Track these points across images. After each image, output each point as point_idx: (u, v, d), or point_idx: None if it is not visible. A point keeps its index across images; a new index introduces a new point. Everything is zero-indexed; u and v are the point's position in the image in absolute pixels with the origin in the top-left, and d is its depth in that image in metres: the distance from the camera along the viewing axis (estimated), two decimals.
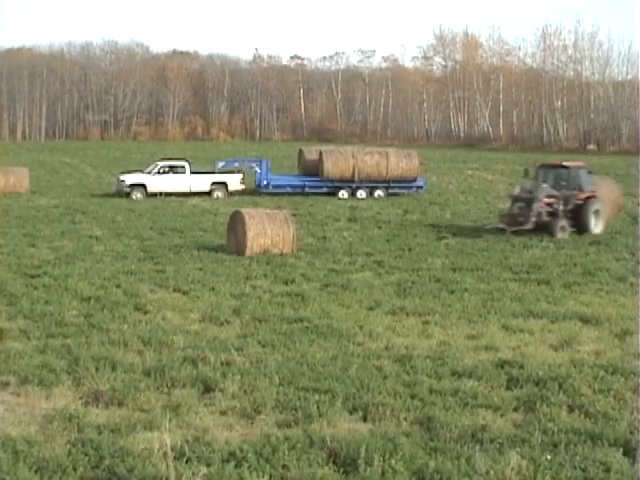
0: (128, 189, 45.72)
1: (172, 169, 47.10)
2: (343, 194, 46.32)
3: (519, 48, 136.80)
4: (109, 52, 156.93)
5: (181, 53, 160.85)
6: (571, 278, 22.07)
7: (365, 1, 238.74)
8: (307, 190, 46.77)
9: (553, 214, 30.47)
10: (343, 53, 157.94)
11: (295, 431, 11.15)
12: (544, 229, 29.95)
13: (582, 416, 11.72)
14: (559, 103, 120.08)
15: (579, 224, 30.78)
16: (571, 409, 11.98)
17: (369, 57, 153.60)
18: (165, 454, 10.06)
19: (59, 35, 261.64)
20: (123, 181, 46.31)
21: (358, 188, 46.65)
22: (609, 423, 11.42)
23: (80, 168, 69.58)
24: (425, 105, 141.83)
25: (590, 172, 33.55)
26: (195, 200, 43.58)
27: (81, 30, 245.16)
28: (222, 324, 17.18)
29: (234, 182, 46.97)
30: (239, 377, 13.25)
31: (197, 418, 11.74)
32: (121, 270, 23.11)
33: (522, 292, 20.30)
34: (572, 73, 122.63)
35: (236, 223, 26.74)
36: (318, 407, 11.91)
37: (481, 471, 9.78)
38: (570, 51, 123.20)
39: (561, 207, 30.58)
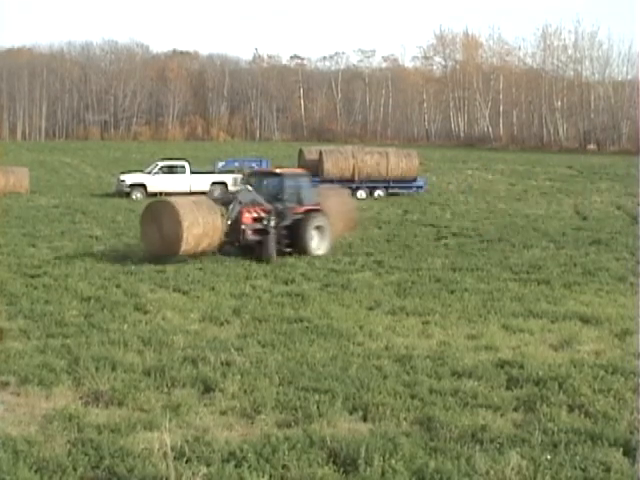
0: (128, 189, 45.93)
1: (172, 169, 47.26)
2: None
3: (519, 48, 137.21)
4: (109, 52, 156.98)
5: (181, 53, 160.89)
6: (571, 278, 22.05)
7: (365, 1, 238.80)
8: None
9: (262, 231, 25.27)
10: (343, 53, 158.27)
11: (295, 431, 11.14)
12: (252, 250, 25.14)
13: (582, 416, 11.71)
14: (559, 103, 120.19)
15: (297, 243, 25.84)
16: (571, 409, 11.97)
17: (369, 57, 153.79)
18: (165, 454, 10.06)
19: (59, 35, 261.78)
20: (123, 181, 46.54)
21: (358, 188, 46.55)
22: (609, 423, 11.41)
23: (80, 168, 69.62)
24: (425, 105, 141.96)
25: (316, 181, 30.50)
26: None
27: (81, 30, 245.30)
28: (222, 324, 17.17)
29: (234, 182, 46.69)
30: (239, 377, 13.25)
31: (197, 418, 11.73)
32: (121, 270, 23.10)
33: (522, 292, 20.29)
34: (572, 73, 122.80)
35: (159, 215, 23.63)
36: (318, 407, 11.90)
37: (481, 471, 9.78)
38: (570, 51, 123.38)
39: (272, 223, 25.39)
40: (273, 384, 13.04)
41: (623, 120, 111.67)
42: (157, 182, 46.29)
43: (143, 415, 11.77)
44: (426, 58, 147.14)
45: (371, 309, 18.66)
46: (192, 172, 47.33)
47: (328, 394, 12.46)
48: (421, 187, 48.40)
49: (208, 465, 9.98)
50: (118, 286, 20.89)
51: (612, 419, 11.59)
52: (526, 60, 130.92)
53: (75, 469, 9.94)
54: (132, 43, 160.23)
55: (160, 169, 47.21)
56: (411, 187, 48.05)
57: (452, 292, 20.33)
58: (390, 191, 47.24)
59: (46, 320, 17.13)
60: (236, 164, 50.17)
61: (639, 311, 17.74)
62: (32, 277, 22.01)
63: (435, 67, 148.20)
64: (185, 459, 10.17)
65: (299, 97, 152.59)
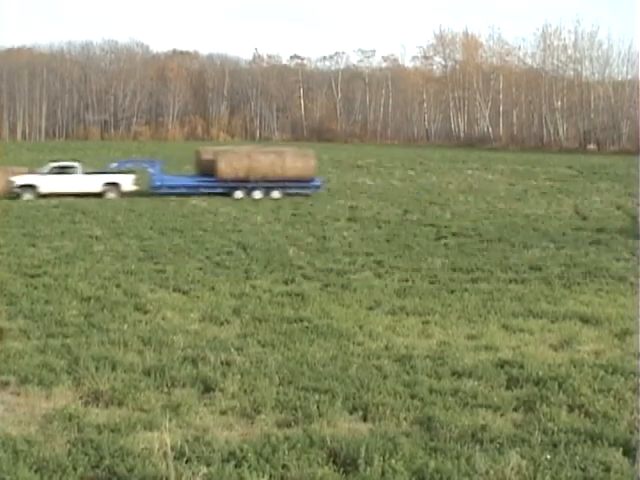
0: (18, 190, 45.23)
1: (64, 170, 46.97)
2: (238, 194, 45.78)
3: (519, 48, 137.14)
4: (109, 52, 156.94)
5: (181, 53, 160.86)
6: (571, 278, 22.06)
7: (365, 1, 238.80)
8: (202, 190, 46.17)
9: None
10: (343, 53, 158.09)
11: (295, 431, 11.14)
12: None
13: (582, 416, 11.72)
14: (559, 103, 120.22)
15: None
16: (571, 409, 11.98)
17: (369, 57, 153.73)
18: (165, 454, 10.06)
19: (59, 35, 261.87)
20: (13, 182, 45.75)
21: (254, 188, 46.09)
22: (609, 423, 11.42)
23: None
24: (425, 105, 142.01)
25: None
26: (195, 200, 43.57)
27: (81, 30, 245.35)
28: (222, 324, 17.17)
29: (127, 183, 46.53)
30: (239, 377, 13.25)
31: (197, 418, 11.74)
32: (121, 270, 23.11)
33: (522, 292, 20.29)
34: (572, 73, 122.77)
35: None
36: (318, 407, 11.90)
37: (481, 471, 9.78)
38: (570, 51, 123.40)
39: None
40: (273, 384, 13.04)
41: (623, 120, 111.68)
42: (48, 183, 45.76)
43: (143, 415, 11.77)
44: (426, 58, 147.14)
45: (371, 309, 18.66)
46: (84, 172, 47.10)
47: (328, 394, 12.46)
48: (318, 187, 47.93)
49: (208, 465, 9.98)
50: (118, 286, 20.89)
51: (612, 419, 11.60)
52: (526, 60, 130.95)
53: (75, 469, 9.95)
54: (132, 43, 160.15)
55: (51, 170, 46.80)
56: (308, 187, 47.50)
57: (452, 292, 20.34)
58: (287, 191, 46.59)
59: (46, 320, 17.13)
60: (129, 165, 50.21)
61: (639, 311, 17.73)
62: (32, 277, 22.02)
63: (435, 67, 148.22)
64: (185, 459, 10.17)
65: (299, 97, 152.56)
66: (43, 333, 16.22)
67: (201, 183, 46.98)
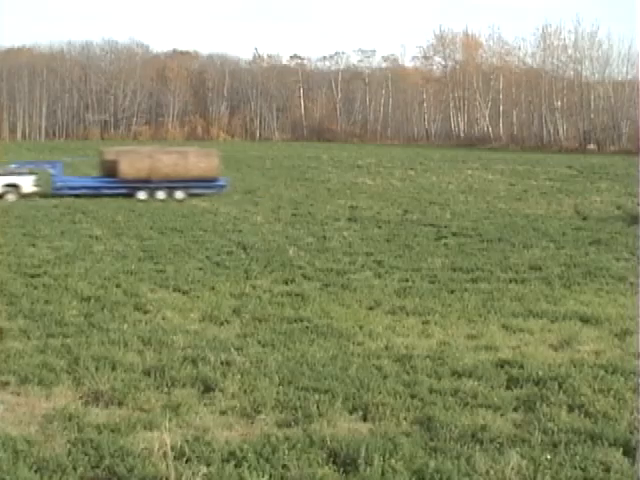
0: None
1: None
2: (142, 195, 45.03)
3: (519, 48, 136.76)
4: (109, 52, 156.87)
5: (181, 53, 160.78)
6: (571, 278, 22.06)
7: (365, 1, 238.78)
8: (105, 192, 45.47)
9: None
10: (343, 53, 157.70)
11: (295, 431, 11.15)
12: None
13: (582, 416, 11.73)
14: (559, 103, 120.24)
15: None
16: (571, 409, 11.99)
17: (369, 57, 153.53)
18: (165, 454, 10.07)
19: (59, 35, 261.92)
20: None
21: (157, 189, 45.44)
22: (609, 423, 11.43)
23: (80, 168, 69.54)
24: (425, 105, 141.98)
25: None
26: (195, 200, 43.56)
27: (81, 30, 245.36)
28: (222, 324, 17.18)
29: (27, 184, 45.36)
30: (239, 377, 13.26)
31: (197, 418, 11.74)
32: (121, 270, 23.10)
33: (522, 292, 20.29)
34: (572, 73, 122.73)
35: None
36: (318, 407, 11.91)
37: (481, 471, 9.78)
38: (570, 51, 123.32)
39: None
40: (273, 384, 13.04)
41: (623, 120, 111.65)
42: None
43: (143, 415, 11.77)
44: (426, 58, 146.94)
45: (371, 309, 18.66)
46: None
47: (328, 394, 12.47)
48: (223, 187, 47.68)
49: (208, 465, 9.99)
50: (118, 286, 20.89)
51: (612, 419, 11.61)
52: (526, 60, 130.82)
53: (75, 469, 9.95)
54: (132, 43, 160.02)
55: None
56: (213, 187, 47.18)
57: (452, 292, 20.34)
58: (192, 191, 45.98)
59: (46, 320, 17.13)
60: (29, 166, 49.13)
61: (639, 311, 17.71)
62: (32, 277, 22.01)
63: (435, 67, 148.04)
64: (185, 459, 10.18)
65: (299, 97, 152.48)
66: (43, 333, 16.22)
67: (103, 184, 46.30)
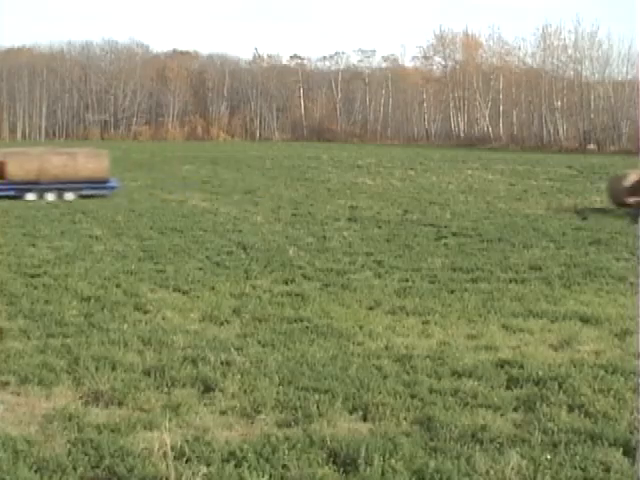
0: None
1: None
2: (30, 197, 44.31)
3: (519, 48, 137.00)
4: (109, 52, 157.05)
5: (181, 53, 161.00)
6: (571, 278, 22.07)
7: (365, 1, 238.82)
8: None
9: None
10: (343, 53, 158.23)
11: (295, 431, 11.15)
12: None
13: (582, 416, 11.72)
14: (559, 103, 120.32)
15: None
16: (571, 409, 11.98)
17: (369, 57, 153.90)
18: (165, 454, 10.07)
19: (59, 35, 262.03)
20: None
21: (46, 190, 44.78)
22: (609, 423, 11.42)
23: None
24: (425, 105, 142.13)
25: None
26: (195, 200, 43.60)
27: (81, 30, 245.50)
28: (222, 324, 17.18)
29: None
30: (239, 377, 13.26)
31: (197, 418, 11.74)
32: (121, 270, 23.11)
33: (522, 292, 20.29)
34: (572, 73, 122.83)
35: None
36: (318, 407, 11.91)
37: (481, 471, 9.78)
38: (570, 51, 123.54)
39: None
40: (273, 384, 13.04)
41: (623, 120, 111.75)
42: None
43: (143, 415, 11.77)
44: (426, 58, 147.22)
45: (371, 309, 18.66)
46: None
47: (328, 394, 12.47)
48: (114, 188, 46.97)
49: (208, 465, 9.99)
50: (118, 286, 20.89)
51: (612, 419, 11.60)
52: (526, 60, 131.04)
53: (75, 469, 9.95)
54: (132, 43, 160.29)
55: None
56: (104, 188, 46.39)
57: (452, 292, 20.34)
58: (83, 193, 45.35)
59: (46, 320, 17.13)
60: None
61: (639, 311, 17.65)
62: (32, 277, 22.02)
63: (435, 67, 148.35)
64: (185, 459, 10.18)
65: (299, 97, 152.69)
66: (43, 333, 16.21)
67: None
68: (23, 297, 19.32)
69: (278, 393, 12.61)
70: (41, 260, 24.68)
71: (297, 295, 19.89)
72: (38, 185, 44.66)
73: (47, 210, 38.72)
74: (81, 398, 12.58)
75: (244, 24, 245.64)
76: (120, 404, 12.28)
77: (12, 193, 44.23)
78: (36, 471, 9.88)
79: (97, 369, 13.58)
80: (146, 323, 17.08)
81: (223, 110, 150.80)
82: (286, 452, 10.24)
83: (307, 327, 16.69)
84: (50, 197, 44.47)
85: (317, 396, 12.34)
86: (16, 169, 44.70)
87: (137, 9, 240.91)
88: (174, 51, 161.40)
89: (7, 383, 13.26)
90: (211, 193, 48.29)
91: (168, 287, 20.91)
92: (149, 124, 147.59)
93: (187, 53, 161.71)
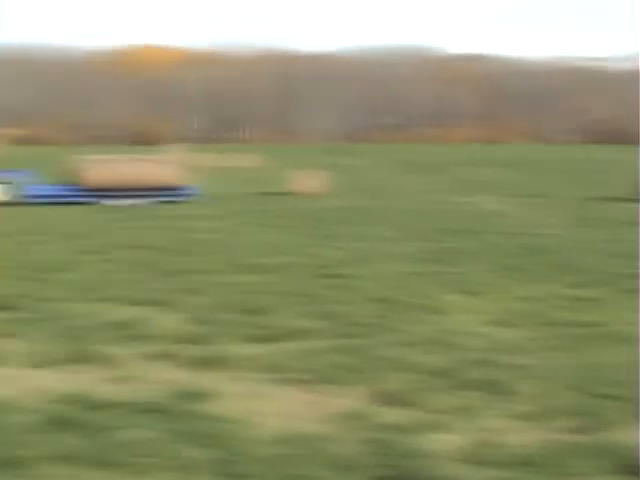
0: None
1: None
2: (107, 203, 45.18)
3: None
4: (397, 55, 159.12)
5: (471, 56, 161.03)
6: None
7: None
8: (70, 200, 45.84)
9: None
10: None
11: (585, 438, 10.91)
12: None
13: None
14: None
15: None
16: None
17: None
18: (454, 456, 10.10)
19: (350, 40, 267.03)
20: None
21: (121, 197, 45.51)
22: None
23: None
24: None
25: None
26: (483, 202, 43.42)
27: (370, 34, 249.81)
28: (512, 327, 17.02)
29: None
30: (530, 381, 13.10)
31: (487, 421, 11.68)
32: (412, 271, 23.32)
33: None
34: None
35: None
36: (610, 414, 11.60)
37: None
38: None
39: None
40: (565, 389, 12.81)
41: None
42: None
43: (432, 417, 11.84)
44: None
45: None
46: None
47: (620, 401, 12.12)
48: (191, 195, 46.89)
49: (498, 469, 9.93)
50: (408, 288, 21.10)
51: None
52: None
53: (365, 468, 10.14)
54: (420, 46, 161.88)
55: None
56: (180, 195, 46.51)
57: None
58: (160, 199, 45.66)
59: (340, 320, 17.54)
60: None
61: (639, 312, 16.91)
62: (326, 277, 22.58)
63: None
64: (474, 462, 10.17)
65: (590, 98, 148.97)
66: (337, 333, 16.61)
67: (67, 192, 46.91)
68: (318, 297, 19.85)
69: (569, 398, 12.38)
70: (334, 261, 25.27)
71: (590, 300, 19.45)
72: (113, 192, 46.22)
73: (337, 211, 39.61)
74: (372, 398, 12.81)
75: (541, 27, 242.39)
76: (409, 405, 12.40)
77: (89, 200, 46.23)
78: (329, 468, 10.15)
79: (387, 369, 13.78)
80: (435, 325, 17.18)
81: (514, 113, 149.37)
82: (575, 459, 10.05)
83: (600, 332, 16.28)
84: (126, 203, 45.81)
85: (609, 403, 12.04)
86: (92, 176, 46.61)
87: (427, 12, 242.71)
88: (464, 54, 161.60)
89: (304, 381, 13.67)
90: (500, 195, 47.99)
91: (457, 289, 20.93)
92: (437, 127, 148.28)
93: (478, 56, 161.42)
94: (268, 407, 12.49)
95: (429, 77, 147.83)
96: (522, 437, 11.17)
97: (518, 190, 49.89)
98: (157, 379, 13.84)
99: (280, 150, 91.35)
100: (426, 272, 23.17)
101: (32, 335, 16.55)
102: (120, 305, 19.42)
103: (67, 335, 16.39)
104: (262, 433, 11.25)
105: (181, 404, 12.41)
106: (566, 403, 12.18)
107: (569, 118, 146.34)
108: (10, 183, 48.61)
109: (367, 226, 34.38)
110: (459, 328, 16.86)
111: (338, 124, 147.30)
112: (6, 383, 13.69)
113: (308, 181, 51.22)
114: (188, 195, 47.94)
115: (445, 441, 10.60)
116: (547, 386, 12.91)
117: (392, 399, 12.62)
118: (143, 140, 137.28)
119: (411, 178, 59.69)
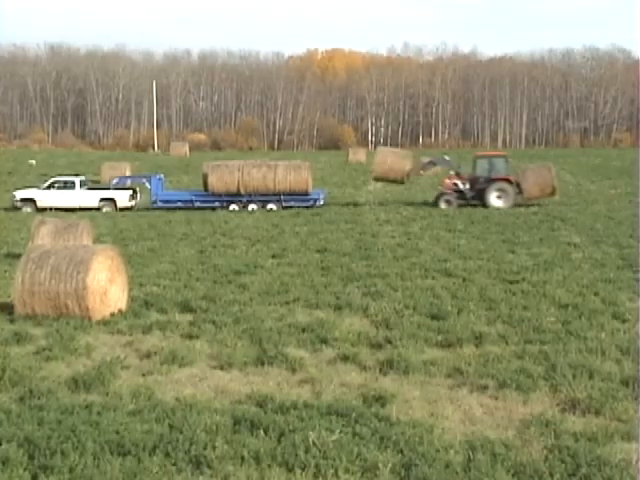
0: (19, 203, 48.40)
1: (62, 185, 48.95)
2: (234, 208, 46.17)
3: None
4: (590, 59, 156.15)
5: None
6: None
7: None
8: (198, 205, 47.17)
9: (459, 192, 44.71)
10: None
11: None
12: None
13: None
14: None
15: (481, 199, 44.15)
16: None
17: None
18: None
19: (540, 43, 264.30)
20: (15, 196, 49.10)
21: (249, 202, 46.45)
22: None
23: (559, 175, 69.72)
24: None
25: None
26: None
27: (561, 38, 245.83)
28: None
29: (122, 199, 48.31)
30: None
31: None
32: (599, 278, 22.81)
33: None
34: None
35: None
36: None
37: None
38: None
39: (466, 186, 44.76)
40: None
41: None
42: (46, 197, 48.39)
43: (620, 425, 11.55)
44: None
45: None
46: (88, 188, 49.46)
47: None
48: (317, 200, 46.80)
49: None
50: (596, 294, 20.64)
51: None
52: None
53: (552, 475, 9.97)
54: (613, 49, 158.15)
55: (50, 185, 49.09)
56: (307, 200, 46.64)
57: None
58: (285, 204, 46.37)
59: (524, 326, 17.30)
60: (128, 181, 51.67)
61: (639, 312, 16.50)
62: (511, 283, 22.31)
63: None
64: None
65: None
66: (521, 339, 16.39)
67: (194, 197, 48.12)
68: (502, 303, 19.63)
69: None
70: (520, 267, 24.94)
71: None
72: (239, 197, 47.11)
73: (526, 217, 39.06)
74: (558, 405, 12.60)
75: None
76: (597, 413, 12.15)
77: (217, 204, 47.35)
78: (513, 475, 10.02)
79: (574, 377, 13.52)
80: (624, 332, 16.73)
81: None
82: None
83: None
84: (252, 208, 46.73)
85: None
86: (216, 181, 47.32)
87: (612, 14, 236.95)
88: None
89: (486, 387, 13.55)
90: None
91: None
92: (630, 131, 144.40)
93: None
94: (450, 412, 12.45)
95: (619, 80, 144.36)
96: None
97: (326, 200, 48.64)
98: (341, 382, 14.00)
99: (463, 153, 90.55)
100: (614, 278, 22.60)
101: (217, 337, 16.99)
102: (303, 308, 19.73)
103: (252, 337, 16.75)
104: (445, 438, 11.22)
105: (365, 407, 12.50)
106: None
107: None
108: (134, 189, 50.64)
109: (556, 231, 33.76)
110: None
111: (525, 128, 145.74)
112: (192, 384, 14.09)
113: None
114: (315, 201, 48.18)
115: (634, 451, 10.32)
116: None
117: (579, 407, 12.38)
118: (329, 144, 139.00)
119: (603, 183, 58.42)
